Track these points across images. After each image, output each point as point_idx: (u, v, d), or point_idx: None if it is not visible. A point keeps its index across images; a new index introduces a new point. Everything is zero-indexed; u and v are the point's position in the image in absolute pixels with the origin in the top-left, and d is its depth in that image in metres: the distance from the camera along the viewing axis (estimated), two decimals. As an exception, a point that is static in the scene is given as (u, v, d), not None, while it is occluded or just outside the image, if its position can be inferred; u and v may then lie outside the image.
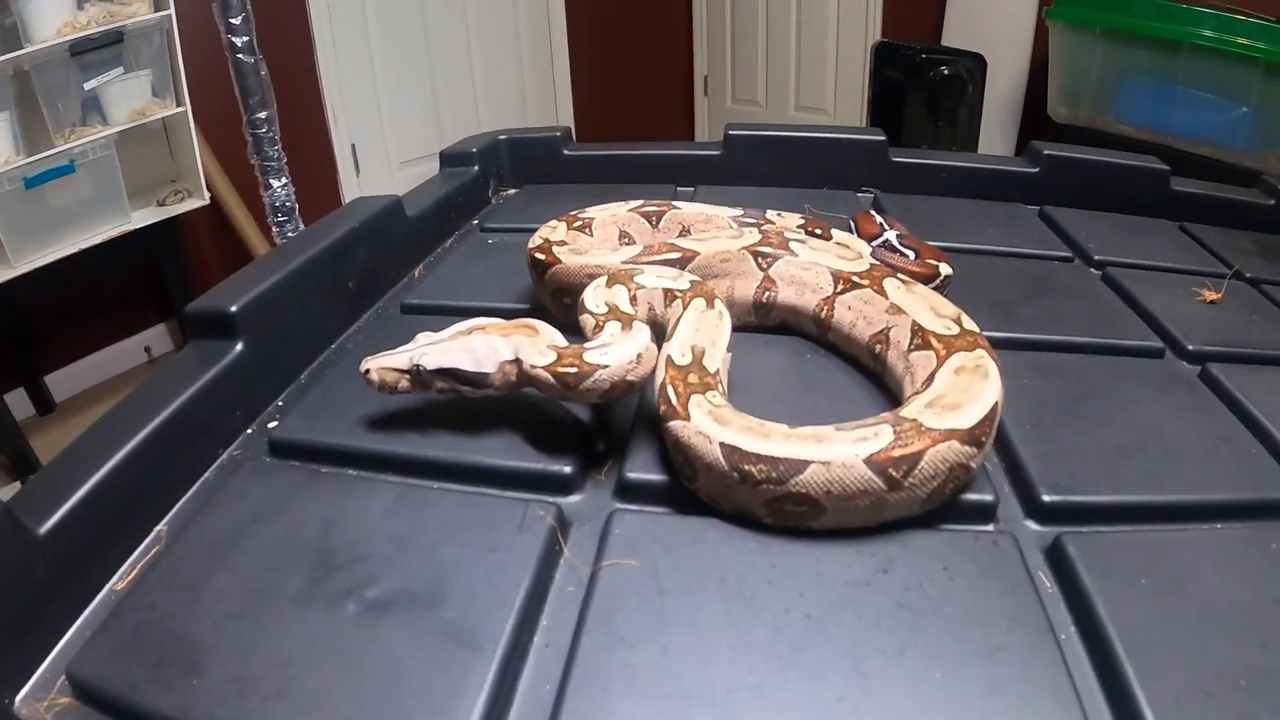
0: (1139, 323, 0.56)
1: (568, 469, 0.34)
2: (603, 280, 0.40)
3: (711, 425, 0.31)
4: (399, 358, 0.36)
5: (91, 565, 0.33)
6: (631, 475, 0.33)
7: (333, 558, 0.30)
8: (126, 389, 0.44)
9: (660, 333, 0.38)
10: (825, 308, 0.45)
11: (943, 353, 0.38)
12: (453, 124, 3.32)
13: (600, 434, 0.38)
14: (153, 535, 0.36)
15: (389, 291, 0.59)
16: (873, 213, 0.63)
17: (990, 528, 0.35)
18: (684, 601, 0.27)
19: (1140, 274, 0.64)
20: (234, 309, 0.42)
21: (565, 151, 0.85)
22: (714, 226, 0.55)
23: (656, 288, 0.40)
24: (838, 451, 0.30)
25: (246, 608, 0.28)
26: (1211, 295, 0.61)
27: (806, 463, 0.29)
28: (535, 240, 0.49)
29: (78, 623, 0.31)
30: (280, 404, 0.45)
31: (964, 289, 0.56)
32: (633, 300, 0.40)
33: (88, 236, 1.95)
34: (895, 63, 2.05)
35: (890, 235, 0.57)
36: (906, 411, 0.33)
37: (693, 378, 0.33)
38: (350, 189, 3.19)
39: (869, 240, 0.58)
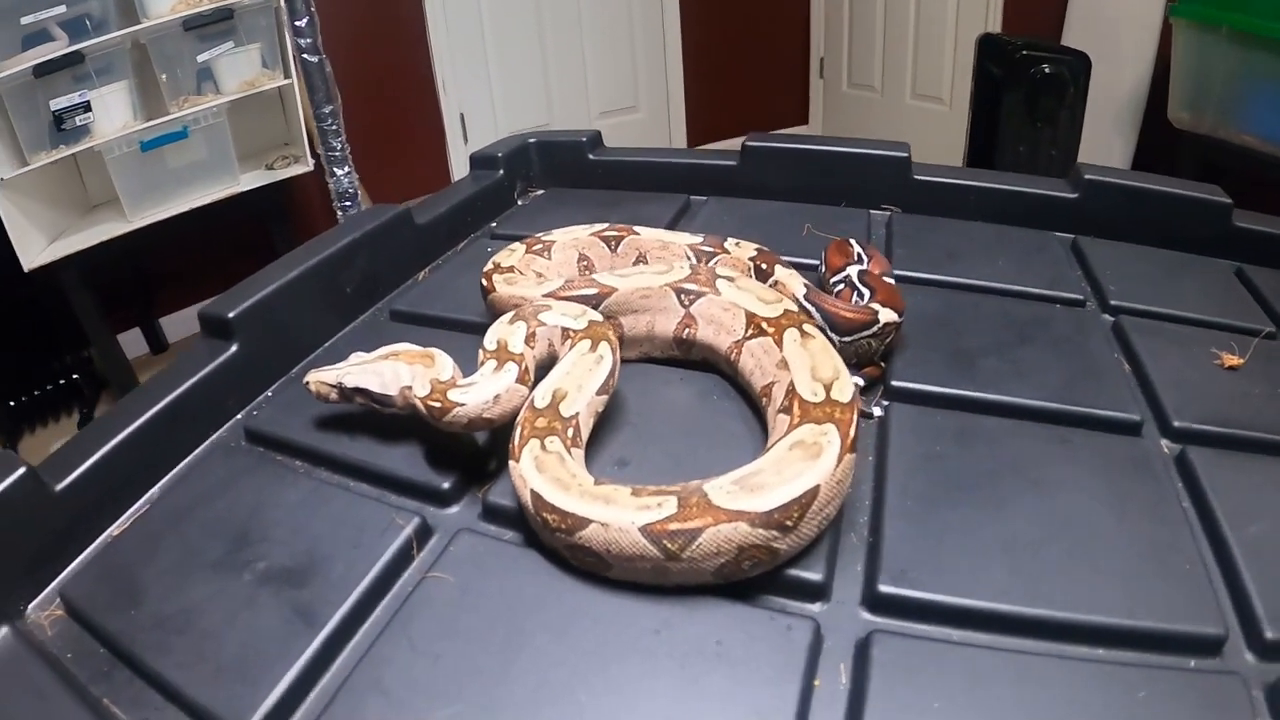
0: (1127, 387, 0.53)
1: (445, 484, 0.43)
2: (509, 315, 0.48)
3: (530, 470, 0.37)
4: (331, 374, 0.46)
5: (98, 514, 0.46)
6: (492, 499, 0.42)
7: (248, 535, 0.41)
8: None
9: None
10: (735, 350, 0.50)
11: (795, 421, 0.40)
12: (562, 96, 3.48)
13: (495, 454, 0.46)
14: (146, 496, 0.48)
15: (390, 294, 0.70)
16: (851, 242, 0.65)
17: (816, 607, 0.37)
18: (473, 620, 0.34)
19: (1158, 325, 0.61)
20: (231, 315, 0.54)
21: (590, 156, 0.94)
22: (670, 254, 0.62)
23: (556, 326, 0.47)
24: (617, 516, 0.34)
25: (179, 564, 0.40)
26: (1232, 360, 0.55)
27: (589, 521, 0.35)
28: (488, 264, 0.57)
29: (80, 557, 0.44)
30: (269, 395, 0.57)
31: (931, 332, 0.58)
32: (531, 337, 0.47)
33: (199, 196, 2.22)
34: (997, 57, 1.98)
35: (852, 271, 0.59)
36: (710, 484, 0.36)
37: (541, 421, 0.40)
38: (458, 157, 3.42)
39: (834, 273, 0.61)
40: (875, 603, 0.37)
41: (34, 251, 1.95)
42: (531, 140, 0.95)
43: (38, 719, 0.32)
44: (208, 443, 0.52)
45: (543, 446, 0.39)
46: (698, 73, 3.73)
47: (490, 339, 0.46)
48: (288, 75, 2.21)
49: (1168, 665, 0.35)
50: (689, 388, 0.52)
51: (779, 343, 0.47)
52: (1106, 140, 2.31)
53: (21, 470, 0.41)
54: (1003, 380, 0.53)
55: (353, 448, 0.47)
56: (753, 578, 0.36)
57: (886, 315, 0.52)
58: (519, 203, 0.92)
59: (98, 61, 1.90)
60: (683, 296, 0.51)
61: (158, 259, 2.79)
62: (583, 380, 0.43)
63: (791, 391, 0.42)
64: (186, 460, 0.51)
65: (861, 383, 0.50)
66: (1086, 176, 0.79)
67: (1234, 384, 0.53)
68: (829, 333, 0.50)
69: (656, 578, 0.35)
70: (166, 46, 2.00)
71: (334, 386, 0.46)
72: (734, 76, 3.81)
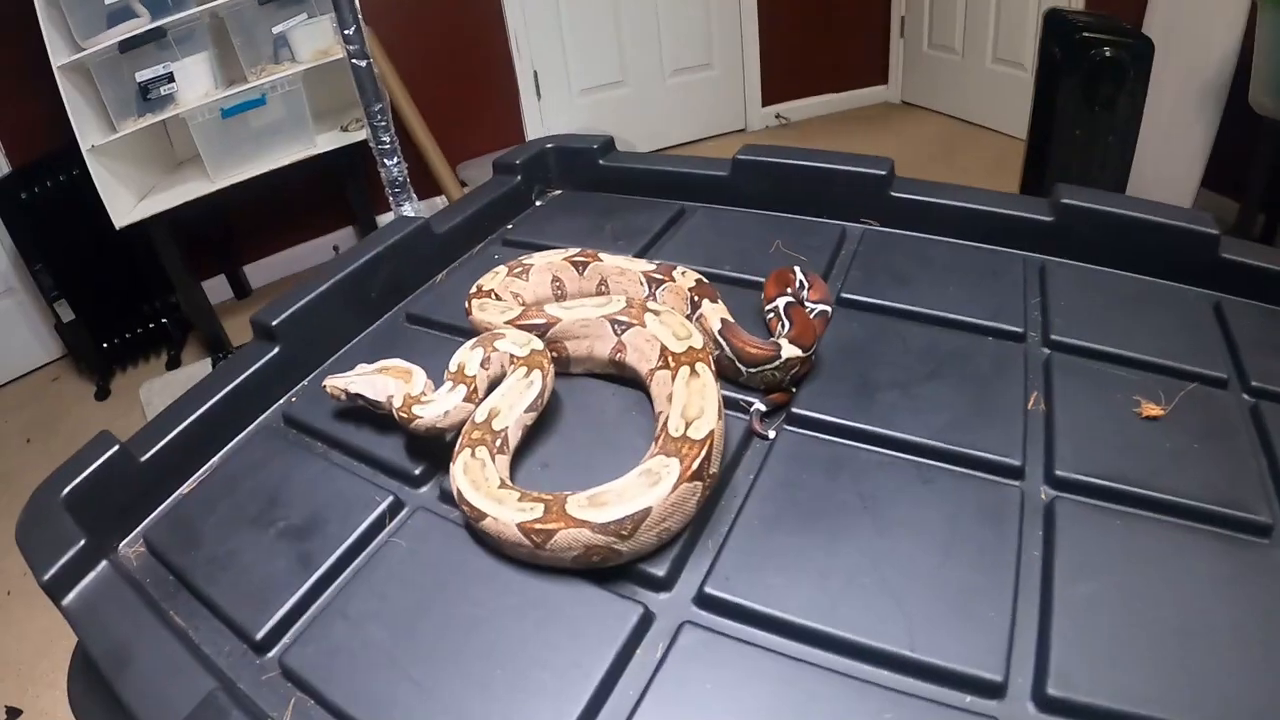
0: (1019, 429, 0.56)
1: (417, 471, 0.58)
2: (473, 341, 0.62)
3: (458, 472, 0.51)
4: (341, 381, 0.62)
5: (172, 478, 0.63)
6: (446, 485, 0.56)
7: (276, 500, 0.57)
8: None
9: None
10: (649, 377, 0.61)
11: (654, 450, 0.51)
12: (634, 54, 3.56)
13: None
14: (208, 464, 0.65)
15: (408, 297, 0.85)
16: (794, 271, 0.73)
17: (658, 596, 0.48)
18: (413, 574, 0.49)
19: (1091, 365, 0.63)
20: (274, 323, 0.70)
21: (600, 162, 1.05)
22: (626, 279, 0.74)
23: (506, 352, 0.60)
24: (503, 513, 0.47)
25: (228, 519, 0.57)
26: (1152, 410, 0.56)
27: (485, 514, 0.49)
28: (472, 286, 0.71)
29: (158, 510, 0.61)
30: (305, 384, 0.73)
31: (848, 360, 0.64)
32: (486, 361, 0.60)
33: (277, 158, 2.43)
34: (1059, 35, 1.95)
35: (781, 302, 0.68)
36: (572, 497, 0.47)
37: (476, 434, 0.54)
38: (532, 114, 3.55)
39: (767, 303, 0.69)
40: (701, 600, 0.47)
41: (124, 210, 2.20)
42: (549, 146, 1.07)
43: (127, 626, 0.48)
44: (255, 423, 0.69)
45: (472, 454, 0.52)
46: (774, 29, 3.71)
47: (453, 362, 0.60)
48: (356, 44, 2.38)
49: (938, 699, 0.41)
50: (617, 402, 0.63)
51: (673, 377, 0.56)
52: (1186, 126, 2.25)
53: (115, 447, 0.58)
54: (895, 414, 0.58)
55: (356, 436, 0.62)
56: (616, 567, 0.48)
57: (789, 351, 0.61)
58: (536, 204, 1.05)
59: (179, 34, 2.11)
60: (616, 326, 0.63)
61: (241, 213, 3.03)
62: (514, 401, 0.57)
63: (664, 424, 0.53)
64: (239, 437, 0.67)
65: (764, 408, 0.61)
66: (1063, 200, 0.79)
67: (1145, 435, 0.55)
68: (739, 363, 0.62)
69: (532, 559, 0.49)
70: (243, 19, 2.19)
71: (342, 390, 0.61)
72: (811, 34, 3.77)
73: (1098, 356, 0.64)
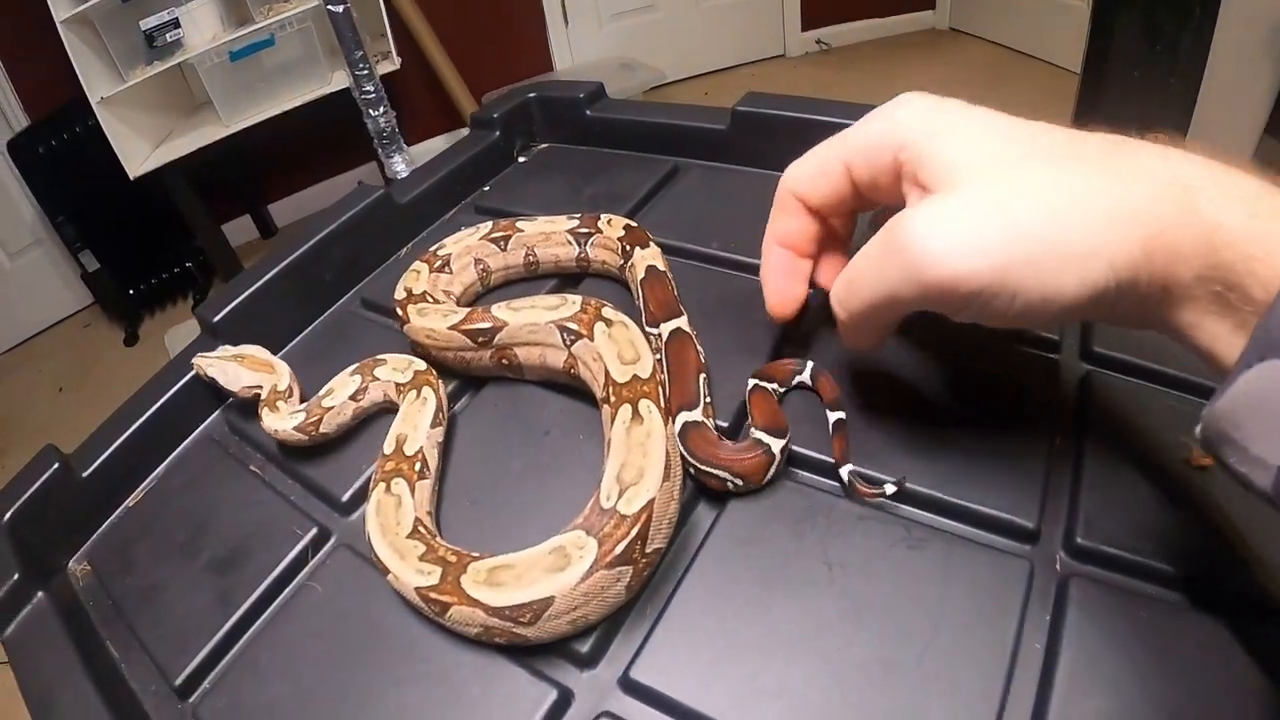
0: (1045, 481, 0.45)
1: (345, 496, 0.55)
2: (354, 366, 0.59)
3: (371, 513, 0.48)
4: (204, 360, 0.62)
5: (116, 491, 0.62)
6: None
7: (204, 526, 0.55)
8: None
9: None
10: (600, 405, 0.53)
11: (579, 517, 0.43)
12: (667, -25, 3.35)
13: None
14: (154, 474, 0.64)
15: (367, 277, 0.80)
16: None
17: (585, 675, 0.42)
18: (326, 625, 0.46)
19: (1137, 389, 0.50)
20: (216, 319, 0.67)
21: (587, 113, 0.98)
22: (553, 243, 0.69)
23: (389, 381, 0.57)
24: (402, 571, 0.43)
25: (157, 545, 0.55)
26: (1204, 460, 0.43)
27: (387, 569, 0.45)
28: (399, 291, 0.64)
29: (106, 522, 0.60)
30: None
31: (840, 377, 0.53)
32: (361, 392, 0.57)
33: (291, 98, 2.40)
34: None
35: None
36: (473, 565, 0.42)
37: (390, 465, 0.50)
38: (559, 43, 3.42)
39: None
40: (626, 684, 0.41)
41: (138, 160, 2.20)
42: (531, 96, 1.00)
43: (56, 664, 0.47)
44: (201, 428, 0.66)
45: (387, 489, 0.49)
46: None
47: (329, 384, 0.58)
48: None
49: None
50: (565, 423, 0.56)
51: (611, 419, 0.47)
52: (1250, 68, 2.02)
53: (56, 465, 0.57)
54: (889, 453, 0.48)
55: (292, 451, 0.60)
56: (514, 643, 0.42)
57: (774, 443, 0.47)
58: (519, 160, 0.99)
59: (182, -23, 2.05)
60: (565, 335, 0.56)
61: (262, 153, 3.02)
62: (416, 421, 0.53)
63: (597, 486, 0.44)
64: (181, 446, 0.65)
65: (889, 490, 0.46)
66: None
67: (1193, 491, 0.43)
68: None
69: (438, 620, 0.44)
70: (249, -44, 2.11)
71: (204, 370, 0.62)
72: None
73: (1142, 375, 0.51)
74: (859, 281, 0.41)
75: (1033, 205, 0.34)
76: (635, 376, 0.50)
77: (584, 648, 0.43)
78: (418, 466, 0.51)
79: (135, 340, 2.61)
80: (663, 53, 3.38)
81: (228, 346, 0.64)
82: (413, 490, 0.49)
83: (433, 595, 0.42)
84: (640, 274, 0.61)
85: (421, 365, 0.59)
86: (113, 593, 0.54)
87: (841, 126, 0.46)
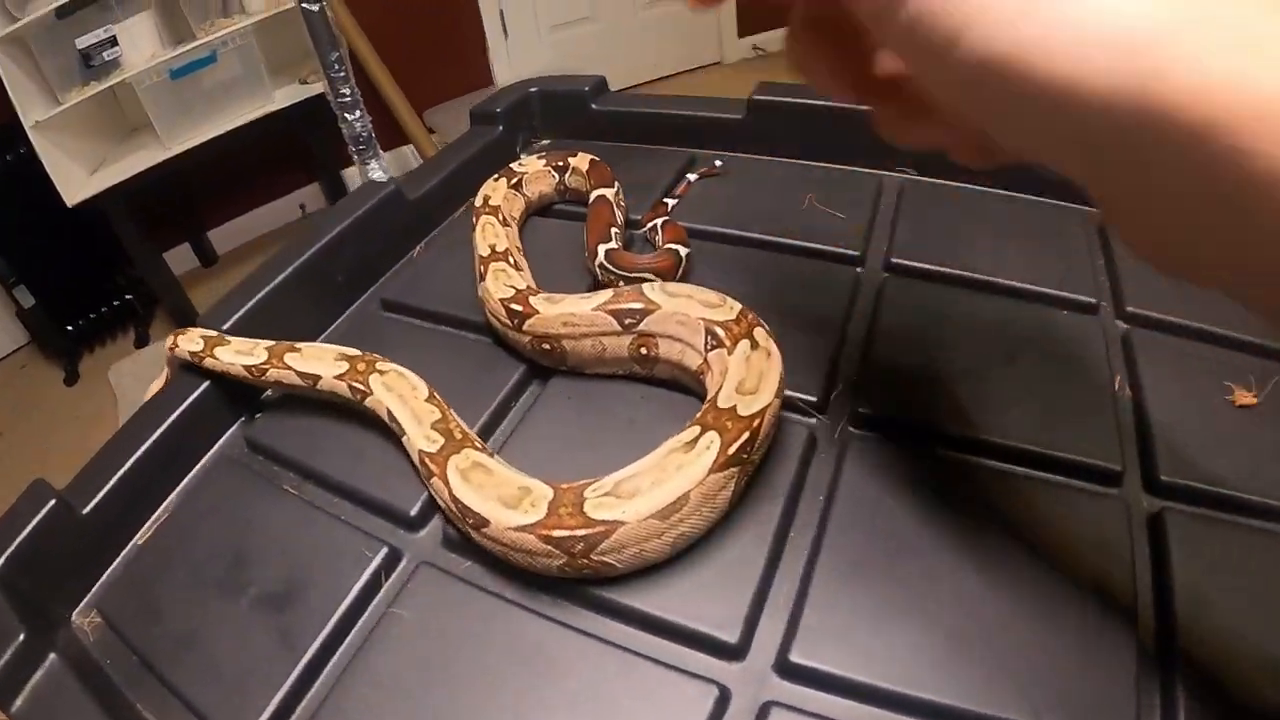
0: (1117, 426, 0.48)
1: (414, 510, 0.49)
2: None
3: (455, 477, 0.44)
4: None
5: (121, 527, 0.53)
6: (449, 531, 0.47)
7: (244, 557, 0.48)
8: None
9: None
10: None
11: (692, 421, 0.44)
12: (605, -14, 3.35)
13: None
14: (164, 504, 0.56)
15: (382, 277, 0.74)
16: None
17: (734, 667, 0.39)
18: (425, 653, 0.40)
19: (1173, 342, 0.54)
20: (224, 328, 0.60)
21: (593, 106, 0.93)
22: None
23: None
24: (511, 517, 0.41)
25: (189, 582, 0.47)
26: (1245, 398, 0.48)
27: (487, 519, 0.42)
28: (478, 200, 0.69)
29: (113, 565, 0.52)
30: (269, 394, 0.63)
31: (909, 343, 0.55)
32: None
33: (234, 117, 2.29)
34: None
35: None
36: (591, 489, 0.41)
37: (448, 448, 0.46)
38: (499, 54, 3.36)
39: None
40: (784, 669, 0.38)
41: (75, 186, 2.06)
42: (533, 90, 0.95)
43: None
44: (213, 451, 0.59)
45: (465, 458, 0.46)
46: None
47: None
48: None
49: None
50: (650, 409, 0.54)
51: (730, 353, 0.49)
52: None
53: (52, 501, 0.49)
54: (978, 409, 0.49)
55: (334, 462, 0.53)
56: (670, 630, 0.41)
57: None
58: (522, 157, 0.93)
59: (119, -6, 1.94)
60: (709, 339, 0.52)
61: (202, 176, 2.90)
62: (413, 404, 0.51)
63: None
64: (195, 470, 0.57)
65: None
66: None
67: (1242, 427, 0.47)
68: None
69: (528, 564, 0.42)
70: (188, -29, 2.01)
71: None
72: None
73: (1176, 331, 0.55)
74: None
75: None
76: (734, 408, 0.45)
77: (731, 638, 0.39)
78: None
79: (76, 379, 2.43)
80: (602, 62, 3.36)
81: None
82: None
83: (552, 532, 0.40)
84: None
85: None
86: (136, 645, 0.46)
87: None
